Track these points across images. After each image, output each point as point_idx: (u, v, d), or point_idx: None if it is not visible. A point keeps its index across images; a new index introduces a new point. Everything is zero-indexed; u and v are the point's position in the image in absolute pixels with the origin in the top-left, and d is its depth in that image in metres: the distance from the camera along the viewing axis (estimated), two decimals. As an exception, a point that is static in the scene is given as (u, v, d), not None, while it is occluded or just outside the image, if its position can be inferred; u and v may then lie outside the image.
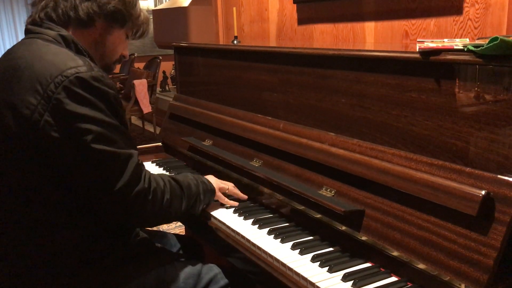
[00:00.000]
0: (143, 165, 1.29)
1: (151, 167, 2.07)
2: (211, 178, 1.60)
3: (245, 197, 1.64)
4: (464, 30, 1.59)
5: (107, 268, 1.28)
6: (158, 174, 1.38)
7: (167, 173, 1.94)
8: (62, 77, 1.15)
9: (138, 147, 2.33)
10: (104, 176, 1.19)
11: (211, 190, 1.54)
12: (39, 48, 1.24)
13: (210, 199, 1.55)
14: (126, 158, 1.21)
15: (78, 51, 1.29)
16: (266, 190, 1.61)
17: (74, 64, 1.18)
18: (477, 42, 1.12)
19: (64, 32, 1.30)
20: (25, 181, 1.19)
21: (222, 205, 1.63)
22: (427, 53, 1.16)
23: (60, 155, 1.17)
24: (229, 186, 1.62)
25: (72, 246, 1.24)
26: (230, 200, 1.61)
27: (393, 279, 1.17)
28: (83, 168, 1.17)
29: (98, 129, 1.16)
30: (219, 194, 1.58)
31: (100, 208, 1.25)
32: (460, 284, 1.03)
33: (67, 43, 1.29)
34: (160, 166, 2.06)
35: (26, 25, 1.35)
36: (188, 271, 1.41)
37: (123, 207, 1.23)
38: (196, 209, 1.49)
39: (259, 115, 1.79)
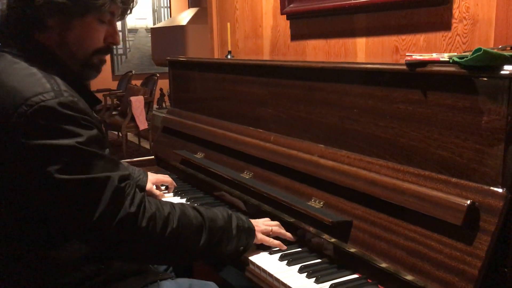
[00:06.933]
0: (131, 188, 1.13)
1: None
2: (250, 220, 1.38)
3: (292, 237, 1.41)
4: (452, 45, 1.61)
5: None
6: (173, 202, 1.24)
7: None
8: (26, 106, 1.05)
9: (131, 160, 2.35)
10: (78, 207, 1.07)
11: (248, 228, 1.32)
12: (6, 68, 1.14)
13: (249, 239, 1.31)
14: (102, 183, 1.08)
15: (53, 62, 1.19)
16: (256, 202, 1.61)
17: (41, 89, 1.07)
18: (463, 54, 1.13)
19: (32, 43, 1.18)
20: None
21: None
22: (413, 64, 1.18)
23: (29, 189, 1.09)
24: (272, 227, 1.40)
25: (52, 270, 1.16)
26: (275, 241, 1.38)
27: (380, 290, 1.16)
28: (54, 202, 1.08)
29: (63, 158, 1.05)
30: (261, 237, 1.35)
31: (82, 240, 1.15)
32: (445, 295, 1.02)
33: (39, 55, 1.18)
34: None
35: None
36: None
37: (105, 239, 1.10)
38: (224, 247, 1.26)
39: (250, 128, 1.80)
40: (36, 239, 1.15)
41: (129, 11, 1.29)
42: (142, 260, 1.24)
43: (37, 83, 1.09)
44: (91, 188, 1.07)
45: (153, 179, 1.86)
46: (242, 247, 1.31)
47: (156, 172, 2.20)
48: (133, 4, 1.29)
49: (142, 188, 1.79)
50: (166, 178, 1.92)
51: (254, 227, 1.34)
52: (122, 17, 1.29)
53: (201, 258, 1.28)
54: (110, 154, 1.22)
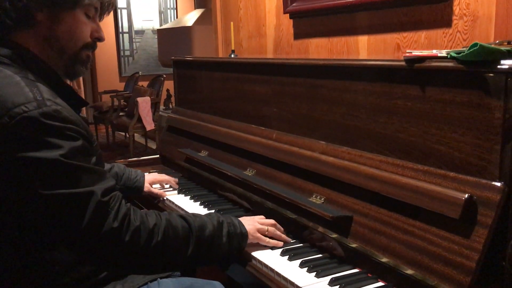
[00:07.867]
0: (115, 201, 1.11)
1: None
2: (245, 219, 1.39)
3: (288, 239, 1.40)
4: (453, 42, 1.62)
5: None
6: (160, 212, 1.22)
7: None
8: (8, 117, 1.02)
9: (137, 159, 2.38)
10: (62, 221, 1.06)
11: (241, 233, 1.31)
12: None
13: (241, 244, 1.32)
14: (85, 198, 1.06)
15: (37, 65, 1.17)
16: (259, 198, 1.62)
17: (23, 99, 1.04)
18: (461, 49, 1.14)
19: (14, 47, 1.15)
20: None
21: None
22: (411, 60, 1.19)
23: (14, 200, 1.07)
24: (268, 227, 1.39)
25: (48, 272, 1.16)
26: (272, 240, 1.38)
27: (380, 284, 1.17)
28: (39, 214, 1.07)
29: (47, 172, 1.04)
30: (256, 235, 1.35)
31: (69, 249, 1.14)
32: None
33: (22, 59, 1.15)
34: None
35: None
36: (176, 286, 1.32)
37: (90, 251, 1.10)
38: (214, 255, 1.26)
39: (253, 125, 1.81)
40: (30, 242, 1.14)
41: (107, 12, 1.29)
42: (128, 271, 1.22)
43: (19, 92, 1.06)
44: (74, 203, 1.06)
45: (150, 179, 1.88)
46: (234, 252, 1.31)
47: (161, 170, 2.23)
48: (112, 2, 1.29)
49: (140, 189, 1.81)
50: (163, 177, 1.94)
51: (247, 231, 1.33)
52: (102, 17, 1.29)
53: (191, 266, 1.27)
54: (99, 158, 1.19)
